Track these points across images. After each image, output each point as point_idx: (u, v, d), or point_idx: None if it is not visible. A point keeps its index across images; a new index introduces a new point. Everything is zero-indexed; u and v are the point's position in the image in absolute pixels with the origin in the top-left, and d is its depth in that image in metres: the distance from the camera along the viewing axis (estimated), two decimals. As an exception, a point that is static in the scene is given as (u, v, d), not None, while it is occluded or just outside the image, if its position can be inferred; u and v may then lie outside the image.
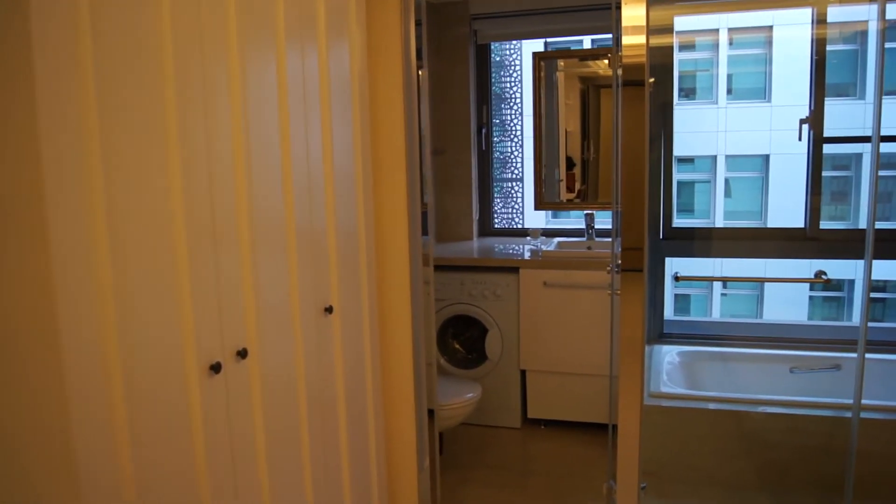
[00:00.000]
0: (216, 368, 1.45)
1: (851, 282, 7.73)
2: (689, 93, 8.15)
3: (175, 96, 1.28)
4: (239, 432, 1.53)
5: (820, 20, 3.28)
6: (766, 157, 7.95)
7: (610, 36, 3.20)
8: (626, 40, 2.07)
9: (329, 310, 1.96)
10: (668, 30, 3.45)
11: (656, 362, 3.38)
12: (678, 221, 8.61)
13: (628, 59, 2.08)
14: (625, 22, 2.07)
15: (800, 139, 3.32)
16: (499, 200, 4.28)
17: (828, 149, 3.34)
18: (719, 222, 8.21)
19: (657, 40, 3.40)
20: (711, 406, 2.93)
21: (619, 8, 2.09)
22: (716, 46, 7.70)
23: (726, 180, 8.25)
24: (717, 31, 7.62)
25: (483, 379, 3.47)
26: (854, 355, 3.32)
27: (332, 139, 1.95)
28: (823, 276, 2.67)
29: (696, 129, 7.96)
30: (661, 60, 3.46)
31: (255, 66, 1.58)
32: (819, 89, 3.30)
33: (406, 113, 2.28)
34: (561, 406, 3.44)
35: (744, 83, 8.03)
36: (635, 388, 2.26)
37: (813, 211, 3.39)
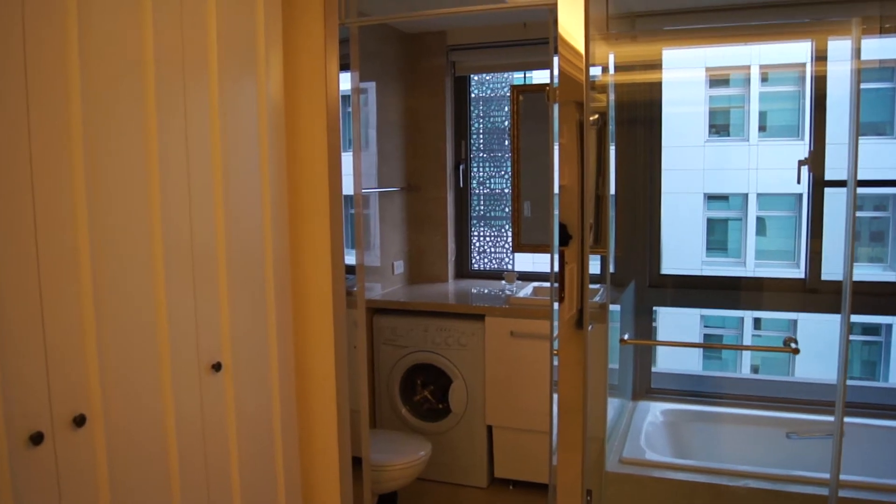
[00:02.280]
0: (36, 439, 1.27)
1: (889, 326, 7.26)
2: (720, 129, 7.97)
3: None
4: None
5: (819, 57, 3.03)
6: (799, 196, 7.62)
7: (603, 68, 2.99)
8: (565, 76, 1.89)
9: (217, 367, 1.76)
10: (657, 65, 3.22)
11: (637, 421, 3.09)
12: (707, 261, 8.25)
13: (565, 97, 1.90)
14: (562, 60, 1.88)
15: (798, 182, 3.04)
16: (488, 240, 4.06)
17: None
18: (751, 263, 7.89)
19: (642, 76, 3.18)
20: (685, 477, 2.63)
21: (556, 39, 1.90)
22: (747, 82, 7.49)
23: (758, 218, 7.96)
24: (748, 66, 7.40)
25: (447, 433, 3.22)
26: (859, 420, 3.00)
27: (223, 174, 1.77)
28: (793, 345, 2.39)
29: (728, 165, 7.71)
30: (648, 97, 3.23)
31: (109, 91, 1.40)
32: (818, 128, 3.03)
33: (329, 143, 2.11)
34: (530, 466, 3.14)
35: (777, 120, 7.75)
36: (576, 456, 2.01)
37: (813, 258, 3.09)
